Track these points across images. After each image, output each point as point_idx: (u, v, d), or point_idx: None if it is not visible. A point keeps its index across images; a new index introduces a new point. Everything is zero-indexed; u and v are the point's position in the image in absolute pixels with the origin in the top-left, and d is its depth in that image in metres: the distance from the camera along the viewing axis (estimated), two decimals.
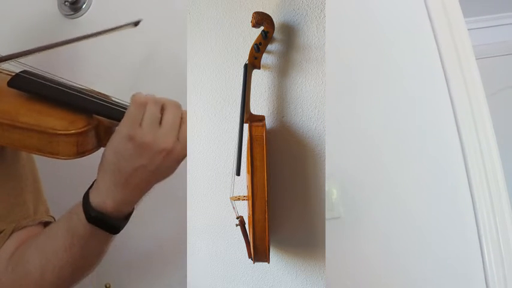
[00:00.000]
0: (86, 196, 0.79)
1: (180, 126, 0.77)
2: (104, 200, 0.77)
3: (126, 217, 0.81)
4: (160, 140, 0.75)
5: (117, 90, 1.22)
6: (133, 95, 0.78)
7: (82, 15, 1.31)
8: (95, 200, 0.78)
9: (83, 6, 1.31)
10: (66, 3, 1.31)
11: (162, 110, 0.78)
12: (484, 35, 2.70)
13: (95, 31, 0.99)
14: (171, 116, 0.77)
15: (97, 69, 1.28)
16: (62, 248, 0.80)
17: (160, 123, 0.76)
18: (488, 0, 2.71)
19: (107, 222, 0.78)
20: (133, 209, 0.82)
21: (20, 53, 0.86)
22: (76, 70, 1.27)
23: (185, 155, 0.78)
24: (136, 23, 1.06)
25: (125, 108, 0.81)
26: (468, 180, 1.24)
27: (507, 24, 2.82)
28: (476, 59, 1.31)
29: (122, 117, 0.78)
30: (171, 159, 0.76)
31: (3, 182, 0.88)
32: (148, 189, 0.79)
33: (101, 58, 1.28)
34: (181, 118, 0.78)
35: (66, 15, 1.32)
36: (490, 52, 2.68)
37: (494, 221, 1.22)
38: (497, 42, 2.79)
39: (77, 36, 0.96)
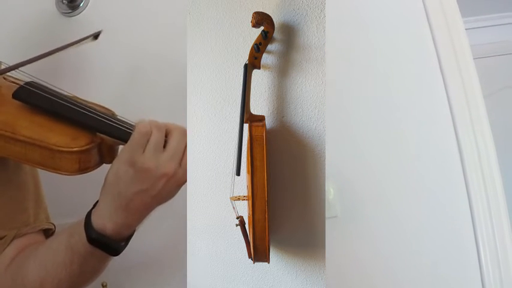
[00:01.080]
0: (88, 217, 0.79)
1: (184, 153, 0.78)
2: (104, 223, 0.78)
3: (127, 239, 0.82)
4: (162, 166, 0.76)
5: (117, 91, 1.22)
6: (138, 123, 0.78)
7: (80, 13, 1.30)
8: (96, 221, 0.78)
9: (81, 5, 1.31)
10: (64, 1, 1.30)
11: (167, 135, 0.78)
12: (482, 35, 2.70)
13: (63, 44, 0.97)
14: (175, 142, 0.78)
15: (97, 69, 1.28)
16: (62, 264, 0.81)
17: (164, 147, 0.77)
18: (487, 0, 2.71)
19: (107, 244, 0.79)
20: (134, 231, 0.83)
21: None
22: (77, 73, 1.27)
23: (185, 181, 0.79)
24: (96, 36, 1.05)
25: (129, 128, 0.81)
26: (465, 181, 1.24)
27: (505, 24, 2.82)
28: (474, 58, 1.31)
29: (126, 137, 0.78)
30: (172, 184, 0.77)
31: (5, 189, 0.88)
32: (149, 212, 0.80)
33: (100, 59, 1.28)
34: (185, 145, 0.79)
35: (64, 14, 1.31)
36: (488, 52, 2.69)
37: (491, 221, 1.23)
38: (495, 42, 2.79)
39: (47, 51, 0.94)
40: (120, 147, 0.82)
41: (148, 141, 0.76)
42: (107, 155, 0.82)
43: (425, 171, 1.25)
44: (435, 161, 1.25)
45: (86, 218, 0.80)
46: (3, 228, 0.87)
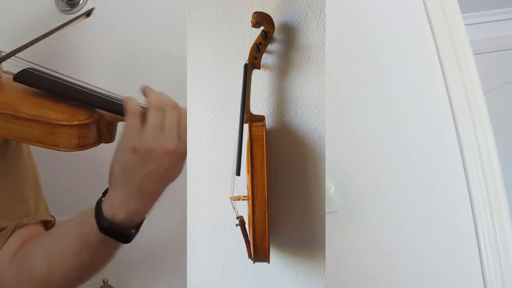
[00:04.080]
0: (99, 206, 0.80)
1: (179, 125, 0.79)
2: (117, 212, 0.78)
3: (138, 226, 0.82)
4: (163, 144, 0.77)
5: (114, 86, 1.22)
6: (127, 104, 0.78)
7: (79, 11, 1.30)
8: (107, 211, 0.79)
9: (80, 2, 1.30)
10: None
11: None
12: (482, 30, 2.70)
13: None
14: (169, 119, 0.78)
15: (96, 69, 1.28)
16: (71, 253, 0.82)
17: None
18: None
19: (119, 232, 0.79)
20: (144, 218, 0.83)
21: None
22: (72, 66, 1.27)
23: (186, 152, 0.80)
24: (88, 13, 1.07)
25: None
26: (466, 176, 1.25)
27: (505, 19, 2.82)
28: (474, 54, 1.31)
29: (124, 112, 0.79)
30: (175, 159, 0.78)
31: (4, 180, 0.89)
32: (160, 194, 0.80)
33: (99, 58, 1.28)
34: (178, 117, 0.79)
35: (63, 11, 1.31)
36: (488, 47, 2.68)
37: (492, 217, 1.23)
38: (495, 37, 2.79)
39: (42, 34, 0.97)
40: (119, 127, 0.83)
41: (147, 121, 0.77)
42: (106, 133, 0.83)
43: (425, 167, 1.25)
44: (436, 157, 1.26)
45: (96, 207, 0.80)
46: (3, 219, 0.88)
